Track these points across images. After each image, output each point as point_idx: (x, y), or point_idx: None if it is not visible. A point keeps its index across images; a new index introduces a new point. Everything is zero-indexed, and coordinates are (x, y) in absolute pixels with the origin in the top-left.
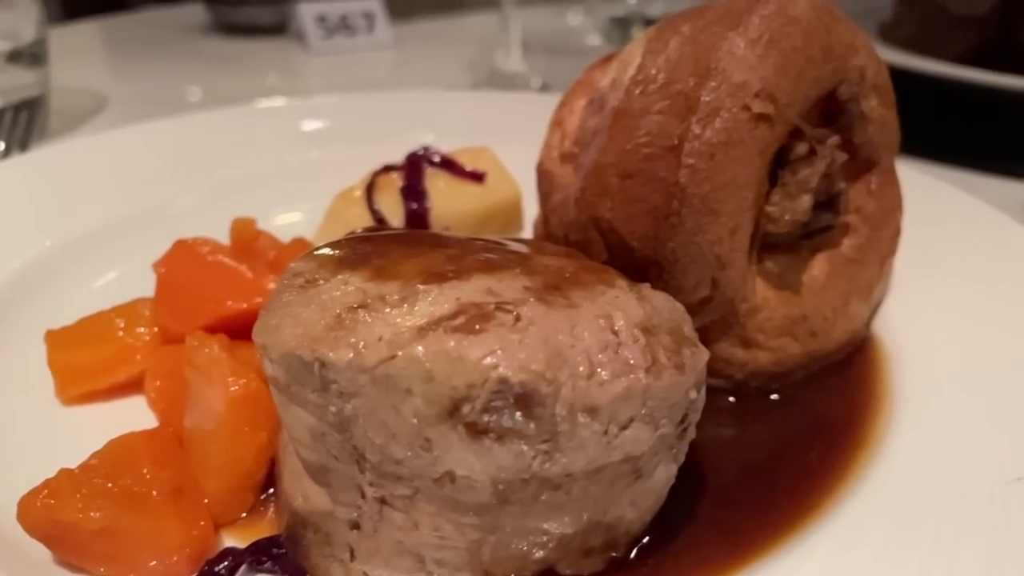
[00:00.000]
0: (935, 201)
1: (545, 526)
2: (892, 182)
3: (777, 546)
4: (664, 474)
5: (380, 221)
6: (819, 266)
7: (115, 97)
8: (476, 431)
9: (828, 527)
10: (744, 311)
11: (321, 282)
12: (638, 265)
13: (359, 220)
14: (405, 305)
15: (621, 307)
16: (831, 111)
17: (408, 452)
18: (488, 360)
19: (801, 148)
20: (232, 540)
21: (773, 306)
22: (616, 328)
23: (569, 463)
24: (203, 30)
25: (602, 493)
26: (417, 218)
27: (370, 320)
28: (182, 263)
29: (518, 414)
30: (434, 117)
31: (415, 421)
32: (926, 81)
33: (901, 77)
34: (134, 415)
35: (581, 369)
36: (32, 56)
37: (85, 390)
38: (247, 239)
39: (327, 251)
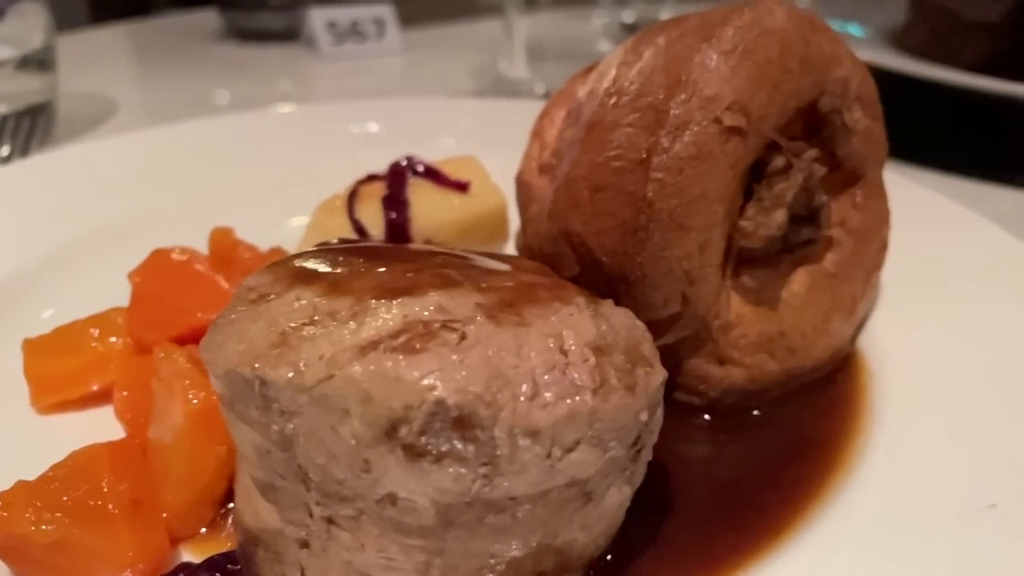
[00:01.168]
0: (929, 213)
1: (493, 549)
2: (878, 195)
3: (742, 569)
4: (617, 497)
5: (360, 231)
6: (799, 281)
7: (125, 103)
8: (414, 453)
9: (795, 550)
10: (717, 327)
11: (273, 297)
12: (608, 280)
13: (340, 230)
14: (353, 322)
15: (573, 326)
16: (813, 123)
17: (349, 473)
18: (426, 381)
19: (778, 162)
20: (190, 555)
21: (748, 322)
22: (565, 348)
23: (512, 486)
24: (217, 36)
25: (550, 517)
26: (397, 228)
27: (315, 338)
28: (157, 272)
29: (456, 437)
30: (427, 124)
31: (353, 442)
32: (937, 89)
33: (912, 85)
34: (107, 425)
35: (524, 390)
36: (39, 62)
37: (59, 399)
38: (225, 249)
39: (284, 265)
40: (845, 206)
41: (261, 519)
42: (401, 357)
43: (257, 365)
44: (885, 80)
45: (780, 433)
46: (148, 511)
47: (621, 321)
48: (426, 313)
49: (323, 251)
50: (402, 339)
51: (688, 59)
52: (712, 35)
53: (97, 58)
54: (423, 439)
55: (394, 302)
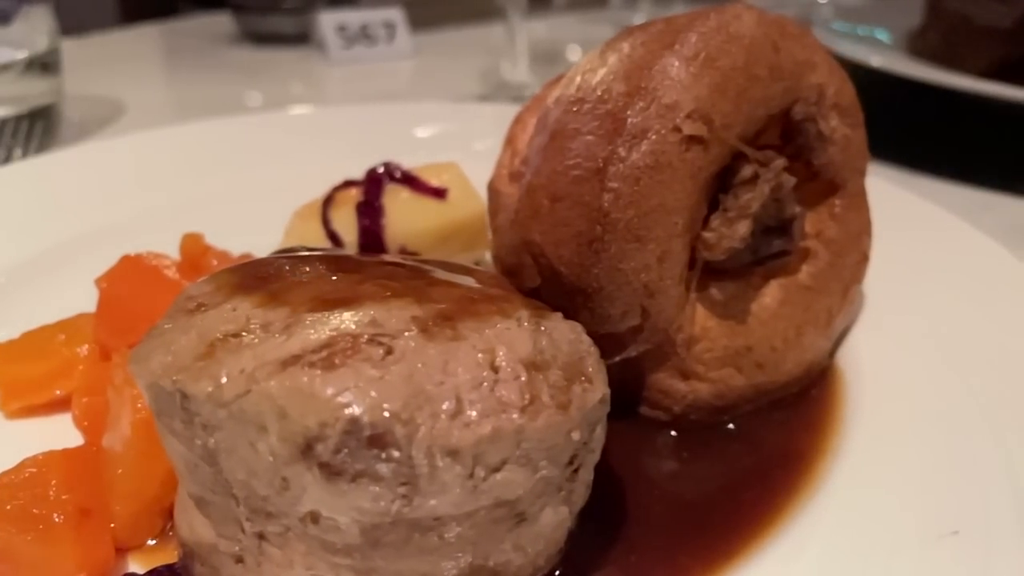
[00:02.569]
0: (921, 224)
1: (424, 569)
2: (859, 206)
3: None
4: (553, 517)
5: (334, 238)
6: (771, 294)
7: (134, 106)
8: (331, 472)
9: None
10: (681, 341)
11: (210, 307)
12: (566, 292)
13: (315, 236)
14: (283, 335)
15: (508, 341)
16: (789, 132)
17: (270, 490)
18: (341, 398)
19: (746, 171)
20: (138, 565)
21: (714, 336)
22: (497, 364)
23: (434, 507)
24: (230, 40)
25: (480, 538)
26: (371, 236)
27: (240, 350)
28: (125, 278)
29: (371, 456)
30: (414, 129)
31: (271, 459)
32: (949, 95)
33: (924, 91)
34: (70, 432)
35: (446, 408)
36: (44, 65)
37: (26, 404)
38: (195, 255)
39: (229, 273)
40: (823, 217)
41: (196, 533)
42: (319, 373)
43: (177, 378)
44: (896, 85)
45: (747, 451)
46: (95, 520)
47: (564, 336)
48: (356, 326)
49: (273, 259)
50: (323, 354)
51: (649, 66)
52: (675, 41)
53: (109, 61)
54: (338, 457)
55: (328, 314)
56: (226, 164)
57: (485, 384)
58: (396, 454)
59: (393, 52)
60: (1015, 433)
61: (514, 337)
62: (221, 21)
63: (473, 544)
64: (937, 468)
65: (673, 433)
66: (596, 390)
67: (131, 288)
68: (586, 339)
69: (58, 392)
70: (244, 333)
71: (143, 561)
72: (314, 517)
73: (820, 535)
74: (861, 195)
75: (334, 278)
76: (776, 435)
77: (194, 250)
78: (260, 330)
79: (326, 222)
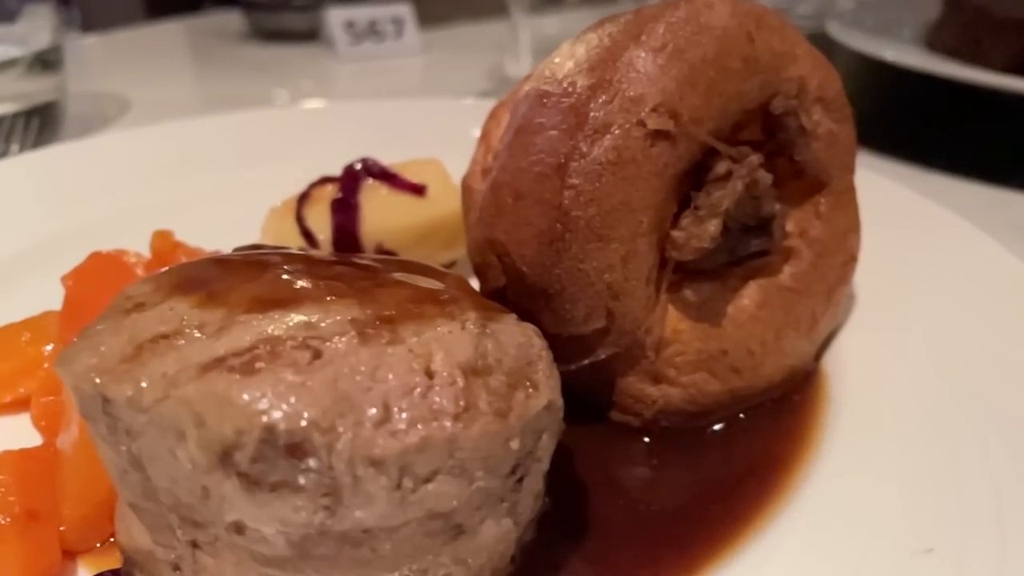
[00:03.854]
0: (919, 222)
1: None
2: (846, 204)
3: None
4: (495, 530)
5: (308, 236)
6: (750, 296)
7: (138, 103)
8: (250, 482)
9: None
10: (651, 344)
11: (148, 307)
12: (529, 293)
13: (290, 234)
14: (213, 337)
15: (448, 345)
16: (770, 127)
17: (193, 498)
18: (258, 405)
19: (721, 168)
20: (86, 569)
21: (686, 339)
22: (432, 369)
23: (361, 518)
24: (240, 37)
25: (414, 551)
26: (345, 233)
27: (167, 353)
28: (91, 276)
29: (290, 465)
30: (406, 125)
31: (191, 467)
32: (967, 89)
33: (943, 86)
34: (33, 432)
35: (371, 416)
36: (46, 62)
37: None
38: (165, 252)
39: (172, 272)
40: (807, 215)
41: (134, 540)
42: (238, 378)
43: (99, 381)
44: (915, 80)
45: (721, 459)
46: (42, 524)
47: (513, 339)
48: (288, 329)
49: (222, 258)
50: (246, 358)
51: (615, 58)
52: (642, 32)
53: (116, 59)
54: (257, 467)
55: (262, 316)
56: (211, 162)
57: (417, 390)
58: (316, 464)
59: (401, 48)
60: (1003, 448)
61: (455, 341)
62: (232, 18)
63: (408, 557)
64: (917, 482)
65: (646, 440)
66: (541, 396)
67: (98, 286)
68: (538, 342)
69: (22, 390)
70: (175, 335)
71: (92, 565)
72: (239, 528)
73: (786, 551)
74: (849, 192)
75: (282, 278)
76: (752, 443)
77: (164, 247)
78: (193, 332)
79: (300, 219)
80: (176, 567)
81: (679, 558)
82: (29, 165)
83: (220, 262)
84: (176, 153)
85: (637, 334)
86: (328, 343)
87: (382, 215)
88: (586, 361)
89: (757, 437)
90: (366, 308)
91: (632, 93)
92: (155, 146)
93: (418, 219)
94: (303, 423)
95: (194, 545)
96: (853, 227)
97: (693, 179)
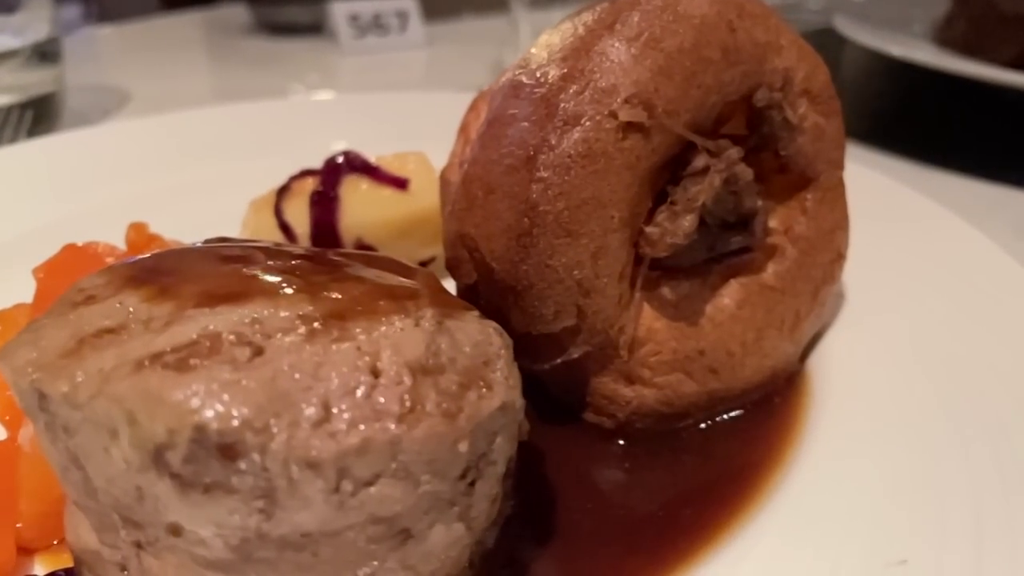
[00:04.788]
0: (911, 219)
1: None
2: (833, 200)
3: None
4: (446, 535)
5: (286, 229)
6: (730, 294)
7: (138, 96)
8: (183, 483)
9: None
10: (624, 343)
11: (98, 300)
12: (499, 289)
13: (269, 228)
14: (157, 332)
15: (398, 342)
16: (754, 120)
17: (128, 499)
18: (190, 403)
19: (699, 162)
20: (43, 566)
21: (661, 338)
22: (379, 367)
23: (299, 522)
24: (245, 30)
25: (360, 556)
26: (324, 227)
27: (106, 348)
28: (63, 268)
29: (222, 466)
30: (397, 120)
31: (124, 466)
32: (974, 86)
33: (951, 82)
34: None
35: (309, 416)
36: (44, 54)
37: None
38: (140, 244)
39: (126, 265)
40: (793, 212)
41: (81, 539)
42: (172, 375)
43: (36, 376)
44: (921, 75)
45: (696, 463)
46: (1, 520)
47: (470, 337)
48: (232, 324)
49: (181, 250)
50: (183, 354)
51: (588, 48)
52: (616, 21)
53: (119, 52)
54: (189, 468)
55: (211, 311)
56: (196, 155)
57: (361, 390)
58: (250, 465)
59: (405, 42)
60: (988, 460)
61: (406, 338)
62: (238, 12)
63: (352, 563)
64: (895, 491)
65: (621, 442)
66: (495, 397)
67: (70, 278)
68: (497, 340)
69: None
70: (120, 329)
71: (50, 562)
72: (175, 529)
73: (755, 559)
74: (837, 189)
75: (237, 272)
76: (729, 446)
77: (139, 240)
78: (138, 326)
79: (278, 212)
80: (123, 568)
81: (647, 563)
82: (11, 157)
83: (179, 254)
84: (160, 146)
85: (610, 333)
86: (271, 339)
87: (362, 209)
88: (559, 360)
89: (735, 441)
90: (318, 304)
91: (604, 84)
92: (138, 139)
93: (399, 213)
94: (235, 423)
95: (138, 546)
96: (841, 224)
97: (670, 173)
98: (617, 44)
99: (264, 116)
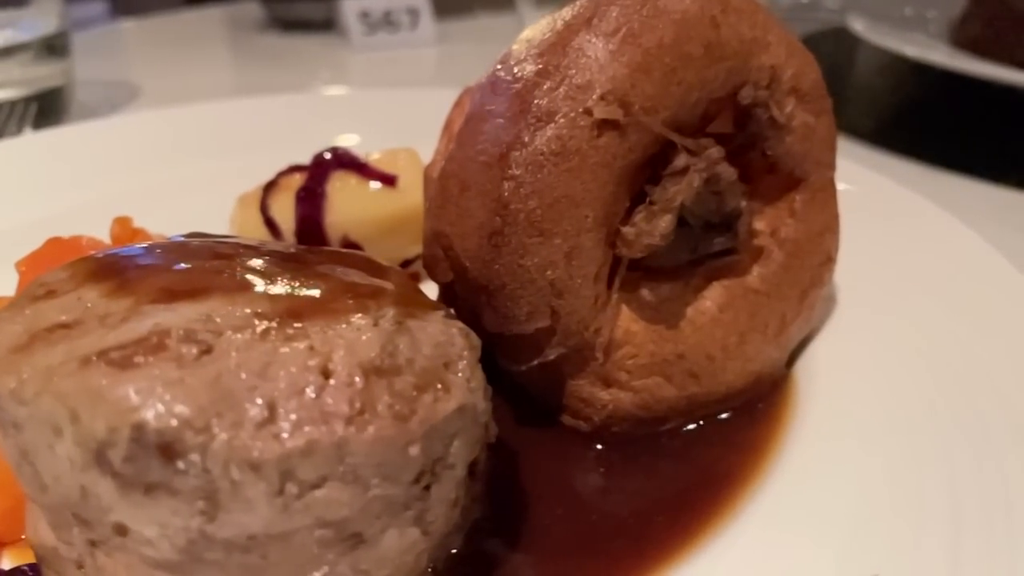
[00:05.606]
0: (910, 222)
1: None
2: (823, 201)
3: None
4: (399, 540)
5: (271, 225)
6: (713, 297)
7: (148, 90)
8: (125, 482)
9: None
10: (600, 346)
11: (59, 294)
12: (472, 289)
13: (255, 224)
14: (110, 328)
15: (352, 342)
16: (742, 119)
17: (74, 497)
18: (130, 401)
19: (680, 161)
20: (10, 561)
21: (639, 341)
22: (330, 368)
23: (243, 524)
24: (258, 26)
25: (309, 559)
26: (310, 224)
27: (58, 344)
28: (46, 262)
29: (163, 466)
30: (400, 117)
31: (68, 465)
32: (988, 86)
33: (964, 82)
34: None
35: (253, 416)
36: (53, 48)
37: None
38: (124, 238)
39: (90, 260)
40: (781, 213)
41: (40, 535)
42: (115, 372)
43: None
44: (936, 75)
45: (672, 470)
46: None
47: (432, 338)
48: (185, 321)
49: (149, 245)
50: (129, 351)
51: (565, 43)
52: (594, 15)
53: (131, 46)
54: (130, 467)
55: (167, 307)
56: (192, 150)
57: (309, 390)
58: (190, 466)
59: (416, 39)
60: (970, 475)
61: (361, 339)
62: (251, 8)
63: (301, 566)
64: (873, 502)
65: (599, 446)
66: (451, 400)
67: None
68: (460, 342)
69: None
70: (75, 324)
71: (17, 557)
72: (122, 529)
73: (724, 569)
74: (827, 190)
75: (201, 268)
76: (708, 453)
77: (123, 234)
78: (93, 322)
79: (264, 208)
80: (80, 565)
81: (612, 570)
82: (2, 151)
83: (147, 249)
84: (157, 140)
85: (585, 335)
86: (222, 337)
87: (349, 205)
88: (535, 362)
89: (714, 447)
90: (277, 302)
91: (579, 80)
92: (132, 134)
93: (386, 210)
94: (175, 422)
95: (92, 544)
96: (830, 226)
97: (651, 172)
98: (594, 40)
99: (265, 111)
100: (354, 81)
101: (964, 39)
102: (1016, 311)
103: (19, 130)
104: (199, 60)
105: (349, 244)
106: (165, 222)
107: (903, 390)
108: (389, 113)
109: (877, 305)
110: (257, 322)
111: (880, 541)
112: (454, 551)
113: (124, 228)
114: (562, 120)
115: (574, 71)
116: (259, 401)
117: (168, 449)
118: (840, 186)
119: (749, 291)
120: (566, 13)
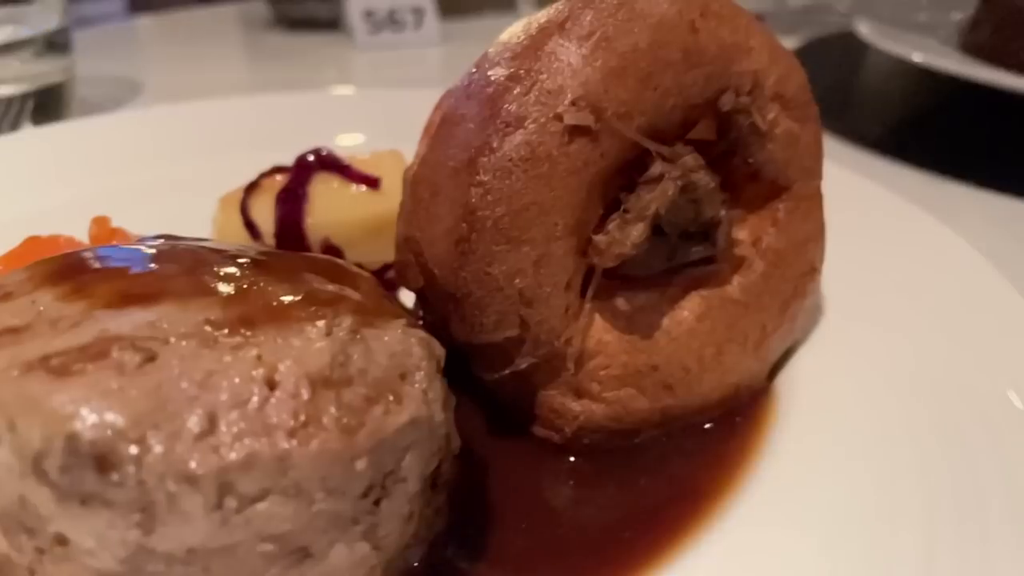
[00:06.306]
0: (902, 232)
1: None
2: (808, 210)
3: None
4: (348, 555)
5: (251, 228)
6: (690, 307)
7: (151, 88)
8: (61, 493)
9: None
10: (572, 356)
11: (14, 297)
12: (440, 296)
13: (236, 226)
14: (61, 333)
15: (301, 352)
16: (724, 126)
17: (14, 507)
18: (66, 410)
19: (655, 168)
20: None
21: (612, 352)
22: (275, 379)
23: (182, 538)
24: (265, 24)
25: (253, 574)
26: (290, 226)
27: (3, 350)
28: (23, 261)
29: (97, 478)
30: (401, 117)
31: (7, 473)
32: (996, 93)
33: (974, 89)
34: None
35: (191, 427)
36: (54, 44)
37: None
38: (102, 238)
39: (50, 261)
40: (763, 222)
41: None
42: (53, 380)
43: None
44: (945, 81)
45: (644, 484)
46: None
47: (387, 348)
48: (131, 328)
49: (110, 248)
50: (71, 358)
51: (538, 47)
52: (568, 19)
53: (136, 44)
54: (65, 478)
55: (118, 312)
56: (183, 150)
57: (253, 402)
58: (125, 478)
59: (421, 39)
60: (948, 497)
61: (312, 348)
62: (257, 7)
63: None
64: (846, 522)
65: (571, 459)
66: (403, 412)
67: None
68: (418, 352)
69: None
70: (25, 329)
71: None
72: (62, 540)
73: None
74: (812, 199)
75: (158, 271)
76: (682, 467)
77: (101, 234)
78: (44, 326)
79: (244, 210)
80: (31, 572)
81: None
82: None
83: (110, 251)
84: (155, 139)
85: (556, 345)
86: (168, 345)
87: (330, 207)
88: (507, 371)
89: (689, 460)
90: (230, 308)
91: (551, 85)
92: (121, 134)
93: (368, 213)
94: (109, 432)
95: (40, 551)
96: (814, 236)
97: (627, 179)
98: (567, 44)
99: (265, 111)
100: (358, 80)
101: (974, 44)
102: (1001, 324)
103: (16, 125)
104: (206, 57)
105: (330, 246)
106: (148, 222)
107: (886, 405)
108: (392, 113)
109: (862, 317)
110: (207, 329)
111: (855, 557)
112: (416, 564)
113: (102, 228)
114: (532, 126)
115: (545, 76)
116: (199, 412)
117: (103, 460)
118: (828, 192)
119: (728, 301)
120: (541, 16)
